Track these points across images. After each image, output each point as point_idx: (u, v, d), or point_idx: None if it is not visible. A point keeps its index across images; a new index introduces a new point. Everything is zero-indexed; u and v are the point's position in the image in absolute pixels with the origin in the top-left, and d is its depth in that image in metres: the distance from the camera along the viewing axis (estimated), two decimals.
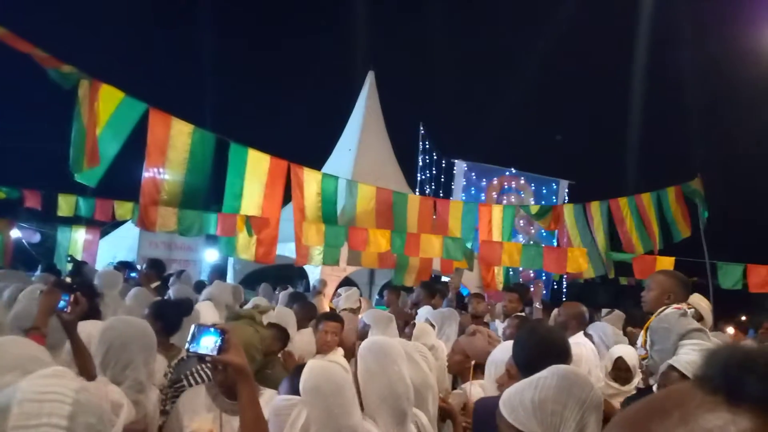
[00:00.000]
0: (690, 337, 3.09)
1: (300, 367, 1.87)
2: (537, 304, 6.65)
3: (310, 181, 6.79)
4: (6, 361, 1.57)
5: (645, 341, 3.69)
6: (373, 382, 2.09)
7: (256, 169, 6.25)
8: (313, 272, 10.52)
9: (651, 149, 25.00)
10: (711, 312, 4.74)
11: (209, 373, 2.87)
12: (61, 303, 2.64)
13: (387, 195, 7.73)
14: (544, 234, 15.23)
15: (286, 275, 12.60)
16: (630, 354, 4.04)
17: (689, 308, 3.53)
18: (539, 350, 2.27)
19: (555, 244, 12.66)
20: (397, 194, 7.91)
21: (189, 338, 1.91)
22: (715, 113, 23.82)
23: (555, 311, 5.56)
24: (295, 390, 1.80)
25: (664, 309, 3.52)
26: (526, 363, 2.24)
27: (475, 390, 3.33)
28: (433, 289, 7.05)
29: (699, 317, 3.79)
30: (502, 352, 2.80)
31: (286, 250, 10.78)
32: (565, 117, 28.05)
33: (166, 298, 4.81)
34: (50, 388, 1.01)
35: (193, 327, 1.93)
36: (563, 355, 2.30)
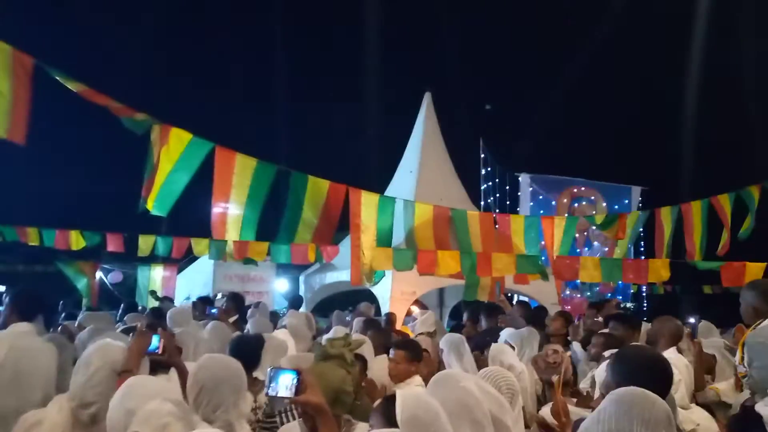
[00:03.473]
0: None
1: (389, 398, 1.81)
2: (599, 318, 6.63)
3: (369, 204, 6.78)
4: (146, 392, 1.95)
5: (742, 357, 3.47)
6: None
7: (315, 196, 6.33)
8: (383, 297, 10.48)
9: (728, 149, 23.62)
10: None
11: None
12: (154, 345, 2.73)
13: (445, 212, 7.61)
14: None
15: (355, 301, 12.63)
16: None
17: None
18: (642, 375, 2.12)
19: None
20: (456, 211, 7.76)
21: (267, 381, 1.97)
22: None
23: (648, 326, 5.28)
24: (389, 421, 1.74)
25: (761, 322, 3.35)
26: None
27: None
28: (495, 312, 6.85)
29: None
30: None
31: None
32: (635, 119, 26.92)
33: (245, 332, 4.91)
34: None
35: (269, 371, 1.99)
36: (666, 380, 2.17)
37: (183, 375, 2.63)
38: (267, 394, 1.97)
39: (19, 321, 3.48)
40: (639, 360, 2.25)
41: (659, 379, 2.17)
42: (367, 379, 3.68)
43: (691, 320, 4.80)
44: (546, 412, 3.25)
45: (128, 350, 2.70)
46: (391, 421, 1.73)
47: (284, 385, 1.92)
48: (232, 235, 5.97)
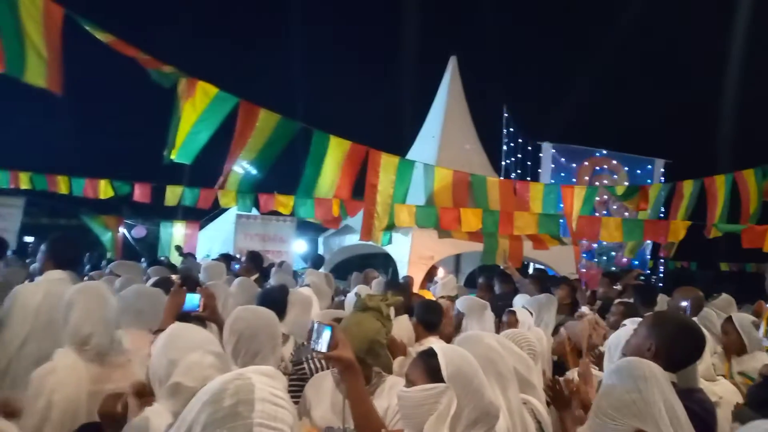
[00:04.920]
0: None
1: (428, 353, 1.82)
2: (618, 286, 6.86)
3: (388, 166, 6.77)
4: (188, 343, 1.86)
5: (766, 331, 3.53)
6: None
7: (336, 155, 6.36)
8: (402, 260, 10.52)
9: (756, 125, 23.04)
10: None
11: None
12: (194, 303, 2.79)
13: (465, 177, 7.57)
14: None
15: (370, 264, 12.75)
16: None
17: None
18: (681, 337, 2.18)
19: None
20: (475, 176, 7.70)
21: (312, 335, 2.02)
22: None
23: (665, 297, 5.28)
24: (430, 375, 1.76)
25: None
26: (677, 360, 2.19)
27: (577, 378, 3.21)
28: (510, 279, 6.88)
29: None
30: (622, 336, 2.68)
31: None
32: (660, 92, 26.30)
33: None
34: (280, 393, 1.15)
35: (315, 325, 2.04)
36: (701, 344, 2.27)
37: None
38: (313, 348, 2.02)
39: (55, 269, 3.54)
40: (679, 323, 2.30)
41: (696, 343, 2.24)
42: (390, 337, 3.74)
43: (684, 303, 4.77)
44: (568, 375, 3.30)
45: (165, 310, 2.77)
46: (433, 375, 1.75)
47: (324, 340, 1.99)
48: (231, 185, 6.23)
